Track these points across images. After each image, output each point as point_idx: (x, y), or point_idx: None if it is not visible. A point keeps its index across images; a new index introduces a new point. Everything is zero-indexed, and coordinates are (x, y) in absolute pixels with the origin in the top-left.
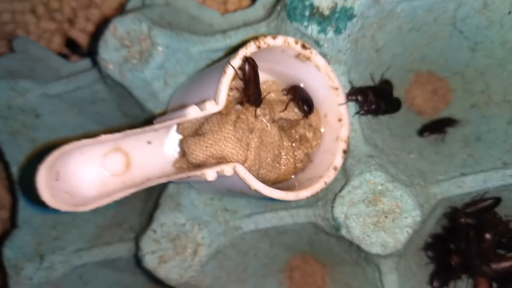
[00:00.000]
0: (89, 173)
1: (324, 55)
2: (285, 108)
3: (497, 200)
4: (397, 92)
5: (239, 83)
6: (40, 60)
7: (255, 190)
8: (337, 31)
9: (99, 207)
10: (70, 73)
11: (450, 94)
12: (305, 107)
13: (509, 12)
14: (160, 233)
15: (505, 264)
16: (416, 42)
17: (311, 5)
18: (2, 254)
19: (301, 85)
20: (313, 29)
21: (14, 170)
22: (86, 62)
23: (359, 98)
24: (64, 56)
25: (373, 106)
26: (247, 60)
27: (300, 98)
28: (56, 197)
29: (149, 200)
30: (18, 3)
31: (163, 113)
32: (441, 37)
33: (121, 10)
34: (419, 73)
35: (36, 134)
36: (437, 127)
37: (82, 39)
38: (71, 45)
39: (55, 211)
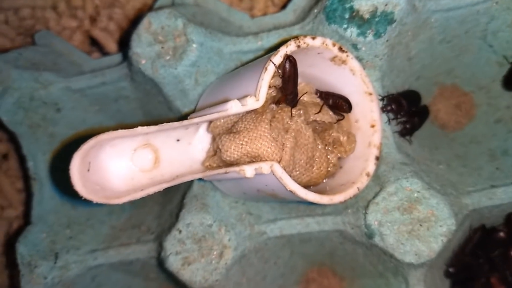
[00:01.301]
0: (118, 166)
1: (360, 60)
2: (320, 110)
3: None
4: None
5: (276, 82)
6: (63, 54)
7: (290, 191)
8: (377, 35)
9: (117, 207)
10: (93, 69)
11: (474, 109)
12: (346, 105)
13: None
14: (186, 233)
15: None
16: (445, 54)
17: (351, 8)
18: (16, 251)
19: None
20: (352, 31)
21: (31, 164)
22: (111, 59)
23: (393, 107)
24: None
25: (406, 110)
26: (289, 58)
27: (338, 97)
28: (88, 187)
29: (167, 203)
30: None
31: (191, 113)
32: (470, 50)
33: (145, 10)
34: (443, 86)
35: (55, 129)
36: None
37: (104, 38)
38: (95, 43)
39: (72, 208)
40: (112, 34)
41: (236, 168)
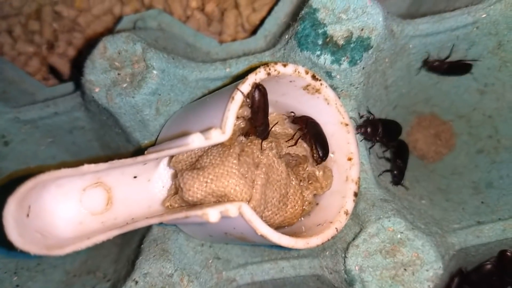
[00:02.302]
0: (64, 209)
1: (334, 88)
2: (292, 141)
3: None
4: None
5: (245, 112)
6: (14, 82)
7: (261, 235)
8: (352, 62)
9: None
10: (46, 98)
11: (454, 138)
12: (320, 152)
13: None
14: (143, 284)
15: None
16: (423, 82)
17: (325, 34)
18: None
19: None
20: (326, 58)
21: None
22: (66, 87)
23: (369, 129)
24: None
25: (380, 137)
26: (258, 86)
27: (314, 137)
28: (26, 237)
29: (125, 246)
30: None
31: (151, 145)
32: (449, 78)
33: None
34: (421, 115)
35: (2, 164)
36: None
37: (62, 64)
38: (53, 70)
39: (20, 254)
40: (71, 60)
41: (198, 212)
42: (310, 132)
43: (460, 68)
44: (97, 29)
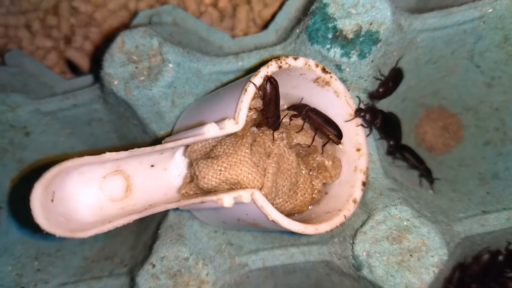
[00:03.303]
0: (86, 195)
1: (344, 81)
2: (301, 129)
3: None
4: (407, 127)
5: (257, 104)
6: (33, 75)
7: (272, 221)
8: (361, 55)
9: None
10: (65, 91)
11: (462, 130)
12: (334, 132)
13: None
14: (160, 267)
15: None
16: (431, 75)
17: (334, 28)
18: None
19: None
20: (335, 52)
21: None
22: (84, 80)
23: (367, 116)
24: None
25: (377, 126)
26: (269, 79)
27: (323, 121)
28: (51, 220)
29: (141, 233)
30: (12, 17)
31: (167, 136)
32: (457, 71)
33: (122, 29)
34: (430, 108)
35: (23, 154)
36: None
37: (79, 58)
38: (70, 64)
39: (42, 238)
40: (88, 54)
41: (214, 197)
42: (317, 119)
43: (396, 76)
44: (113, 24)
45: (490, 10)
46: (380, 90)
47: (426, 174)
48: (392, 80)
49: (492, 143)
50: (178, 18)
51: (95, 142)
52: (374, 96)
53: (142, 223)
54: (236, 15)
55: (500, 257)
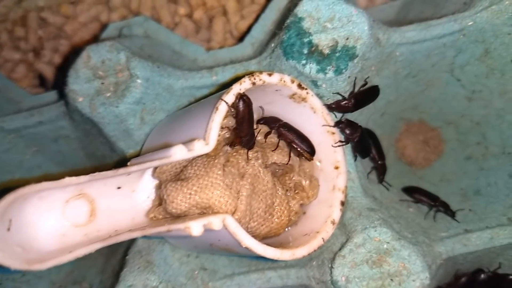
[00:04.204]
0: (47, 222)
1: (320, 97)
2: (276, 147)
3: None
4: (387, 141)
5: (229, 122)
6: None
7: (246, 248)
8: (338, 71)
9: None
10: (32, 107)
11: (443, 144)
12: (306, 148)
13: None
14: None
15: None
16: (411, 89)
17: (310, 43)
18: None
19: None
20: (311, 67)
21: None
22: (51, 95)
23: (347, 131)
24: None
25: (355, 141)
26: (242, 97)
27: (295, 137)
28: (6, 251)
29: (111, 256)
30: None
31: (137, 155)
32: (437, 84)
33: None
34: (410, 122)
35: None
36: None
37: (48, 72)
38: (42, 78)
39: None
40: (57, 68)
41: (181, 226)
42: (289, 135)
43: (370, 94)
44: (84, 37)
45: (470, 23)
46: (346, 102)
47: (444, 209)
48: (364, 94)
49: (473, 157)
50: (150, 30)
51: (62, 160)
52: (341, 107)
53: (111, 245)
54: (212, 27)
55: (483, 275)
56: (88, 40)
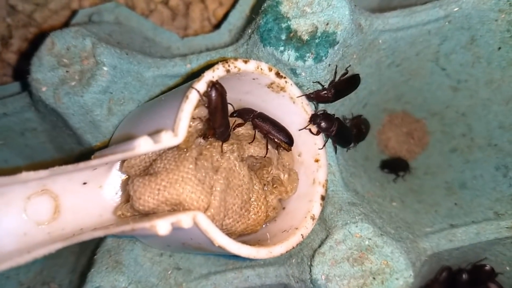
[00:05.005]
0: (7, 220)
1: (300, 86)
2: (253, 140)
3: None
4: (369, 133)
5: (202, 113)
6: None
7: (219, 247)
8: (317, 58)
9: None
10: None
11: (427, 136)
12: (284, 139)
13: (499, 48)
14: None
15: None
16: (394, 78)
17: (288, 28)
18: None
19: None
20: (290, 55)
21: None
22: (16, 85)
23: (323, 124)
24: None
25: (332, 135)
26: (214, 85)
27: (272, 128)
28: None
29: (81, 255)
30: None
31: (104, 147)
32: (421, 74)
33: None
34: (393, 113)
35: None
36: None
37: (17, 61)
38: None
39: None
40: (26, 57)
41: (146, 224)
42: (265, 126)
43: (350, 83)
44: (54, 24)
45: (456, 9)
46: (325, 93)
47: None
48: (344, 83)
49: (459, 150)
50: (121, 17)
51: (30, 154)
52: (320, 97)
53: (82, 243)
54: (190, 14)
55: (464, 276)
56: (60, 27)
